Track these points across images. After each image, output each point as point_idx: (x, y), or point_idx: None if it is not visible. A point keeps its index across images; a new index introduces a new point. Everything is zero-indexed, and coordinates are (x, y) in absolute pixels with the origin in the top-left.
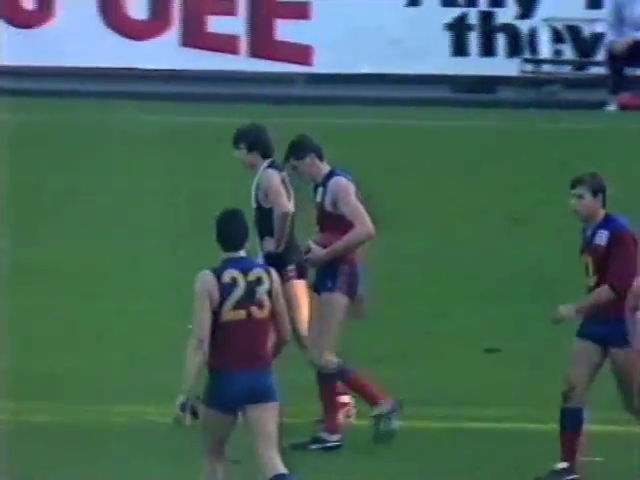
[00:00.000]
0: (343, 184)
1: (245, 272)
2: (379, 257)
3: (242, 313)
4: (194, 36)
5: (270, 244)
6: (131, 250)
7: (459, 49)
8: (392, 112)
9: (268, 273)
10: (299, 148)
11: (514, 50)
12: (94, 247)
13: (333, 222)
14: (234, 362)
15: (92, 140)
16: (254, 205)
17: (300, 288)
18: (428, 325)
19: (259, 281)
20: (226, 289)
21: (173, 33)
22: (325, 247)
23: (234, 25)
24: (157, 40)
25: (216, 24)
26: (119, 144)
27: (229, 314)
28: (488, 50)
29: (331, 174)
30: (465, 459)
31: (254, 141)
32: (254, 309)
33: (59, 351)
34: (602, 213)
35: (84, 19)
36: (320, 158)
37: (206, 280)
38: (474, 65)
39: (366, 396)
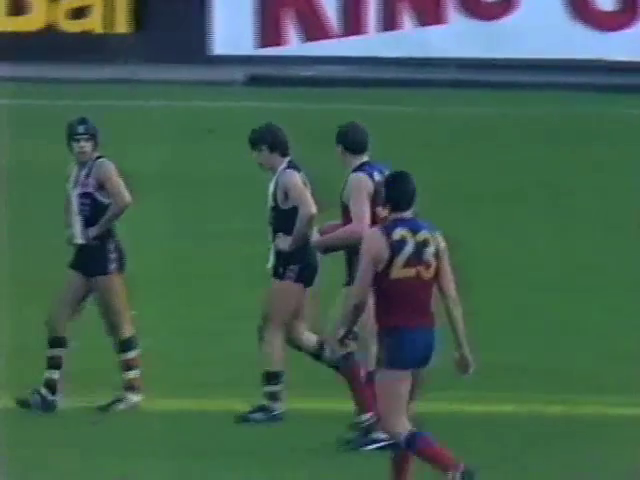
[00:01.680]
0: (357, 180)
1: (414, 232)
2: None
3: (412, 271)
4: None
5: (284, 242)
6: None
7: None
8: None
9: (433, 235)
10: (338, 137)
11: None
12: None
13: (349, 215)
14: (411, 320)
15: (557, 134)
16: (271, 204)
17: (294, 291)
18: None
19: (426, 242)
20: (396, 247)
21: None
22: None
23: None
24: (628, 31)
25: None
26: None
27: (399, 272)
28: None
29: (356, 169)
30: None
31: (274, 141)
32: (421, 269)
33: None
34: None
35: (548, 10)
36: (353, 152)
37: (375, 238)
38: None
39: (359, 398)
